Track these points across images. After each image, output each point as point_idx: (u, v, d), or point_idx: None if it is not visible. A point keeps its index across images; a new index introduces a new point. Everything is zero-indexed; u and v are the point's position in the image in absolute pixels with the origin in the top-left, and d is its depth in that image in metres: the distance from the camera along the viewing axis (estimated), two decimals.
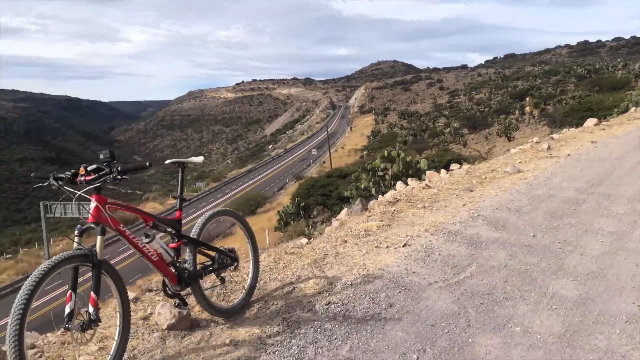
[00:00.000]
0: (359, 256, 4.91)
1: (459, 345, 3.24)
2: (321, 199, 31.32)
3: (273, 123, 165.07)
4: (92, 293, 2.76)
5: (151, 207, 59.19)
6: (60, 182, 2.89)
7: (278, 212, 32.56)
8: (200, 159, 3.75)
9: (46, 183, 2.91)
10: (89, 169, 2.89)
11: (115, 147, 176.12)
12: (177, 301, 3.51)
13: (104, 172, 2.89)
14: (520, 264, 4.60)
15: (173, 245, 3.43)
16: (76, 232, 2.84)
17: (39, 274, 2.55)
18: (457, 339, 3.31)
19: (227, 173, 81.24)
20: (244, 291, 3.99)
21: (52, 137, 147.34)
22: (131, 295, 4.09)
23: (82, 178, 2.89)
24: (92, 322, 2.73)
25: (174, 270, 3.33)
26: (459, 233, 5.49)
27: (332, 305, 3.81)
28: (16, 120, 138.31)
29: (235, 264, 3.85)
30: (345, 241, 5.39)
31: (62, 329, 2.99)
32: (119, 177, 2.88)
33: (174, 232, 3.43)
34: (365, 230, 5.68)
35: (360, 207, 6.55)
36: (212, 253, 3.71)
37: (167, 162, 3.76)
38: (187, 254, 3.52)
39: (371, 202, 7.10)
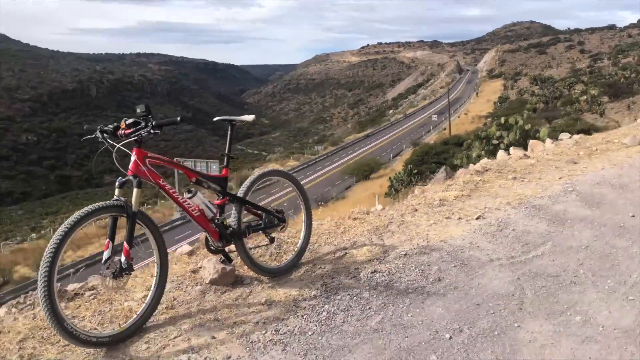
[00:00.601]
0: (424, 226, 4.68)
1: (501, 328, 2.97)
2: (434, 167, 30.45)
3: (395, 87, 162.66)
4: (125, 243, 2.90)
5: (272, 167, 61.87)
6: (105, 135, 3.03)
7: (390, 178, 32.28)
8: (250, 117, 3.74)
9: (93, 135, 3.06)
10: (127, 122, 3.00)
11: (244, 109, 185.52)
12: (222, 257, 3.60)
13: (140, 126, 2.98)
14: (606, 246, 4.09)
15: (218, 202, 3.50)
16: (117, 183, 2.98)
17: (72, 221, 2.71)
18: (502, 322, 3.03)
19: (345, 137, 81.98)
20: (293, 252, 3.99)
21: (190, 98, 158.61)
22: (188, 248, 4.28)
23: (122, 132, 3.01)
24: (124, 271, 2.87)
25: (215, 227, 3.40)
26: (543, 208, 5.00)
27: (377, 274, 3.67)
28: (160, 82, 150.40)
29: (283, 224, 3.84)
30: (416, 210, 5.16)
31: (98, 275, 3.19)
32: (152, 131, 2.97)
33: (219, 189, 3.48)
34: (440, 200, 5.39)
35: (444, 176, 6.22)
36: (259, 212, 3.73)
37: (215, 119, 3.81)
38: (232, 212, 3.58)
39: (459, 171, 6.71)
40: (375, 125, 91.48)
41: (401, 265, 3.80)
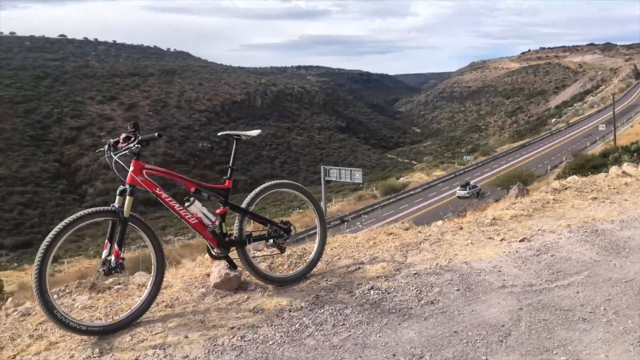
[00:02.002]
0: (459, 246, 4.45)
1: (464, 359, 2.77)
2: None
3: (559, 95, 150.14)
4: (115, 245, 3.27)
5: (417, 177, 61.11)
6: (109, 148, 3.43)
7: None
8: (255, 132, 3.92)
9: (103, 148, 3.48)
10: (122, 137, 3.38)
11: (396, 118, 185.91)
12: (227, 263, 3.83)
13: (130, 141, 3.34)
14: None
15: (219, 211, 3.73)
16: (117, 191, 3.36)
17: (67, 221, 3.14)
18: (470, 353, 2.82)
19: (498, 147, 77.80)
20: (304, 264, 4.07)
21: (344, 108, 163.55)
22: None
23: (120, 145, 3.39)
24: (112, 270, 3.23)
25: (211, 234, 3.64)
26: (605, 233, 4.43)
27: (373, 292, 3.61)
28: (317, 93, 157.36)
29: (286, 235, 3.95)
30: (461, 228, 4.90)
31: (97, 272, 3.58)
32: (137, 145, 3.30)
33: (221, 199, 3.72)
34: (493, 219, 5.04)
35: (516, 193, 5.77)
36: (263, 223, 3.89)
37: (220, 134, 4.05)
38: (235, 221, 3.79)
39: (543, 188, 6.16)
40: (534, 135, 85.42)
41: (403, 285, 3.69)
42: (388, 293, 3.58)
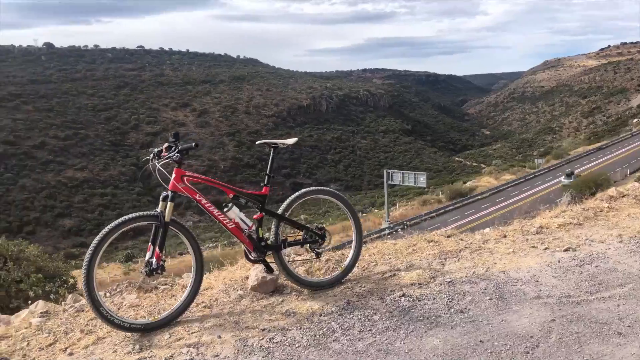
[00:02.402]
0: (499, 254, 4.37)
1: None
2: None
3: None
4: (157, 248, 3.48)
5: (485, 181, 59.36)
6: (153, 157, 3.65)
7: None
8: (292, 140, 4.04)
9: (148, 156, 3.70)
10: (165, 147, 3.59)
11: (465, 120, 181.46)
12: (264, 267, 3.97)
13: (171, 150, 3.54)
14: None
15: (256, 216, 3.88)
16: (161, 197, 3.58)
17: (112, 225, 3.38)
18: None
19: (572, 150, 74.12)
20: (339, 269, 4.14)
21: (410, 111, 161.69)
22: None
23: (163, 154, 3.60)
24: (154, 271, 3.45)
25: (248, 239, 3.79)
26: None
27: (404, 299, 3.63)
28: (383, 95, 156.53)
29: (321, 241, 4.03)
30: (505, 236, 4.81)
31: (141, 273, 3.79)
32: (177, 154, 3.49)
33: (258, 205, 3.86)
34: (539, 227, 4.90)
35: (569, 200, 5.57)
36: (299, 229, 4.00)
37: (257, 142, 4.18)
38: (271, 227, 3.92)
39: (599, 195, 5.91)
40: (613, 136, 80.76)
41: (435, 292, 3.69)
42: (419, 300, 3.59)
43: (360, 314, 3.46)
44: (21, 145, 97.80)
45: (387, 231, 38.58)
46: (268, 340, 3.22)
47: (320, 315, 3.51)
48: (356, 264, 4.25)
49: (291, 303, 3.78)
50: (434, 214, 43.59)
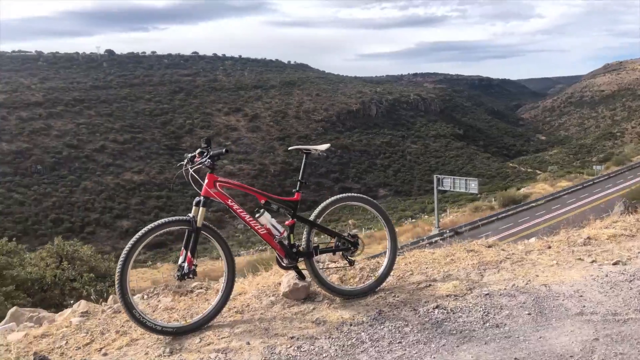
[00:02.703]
0: (542, 266, 4.17)
1: None
2: None
3: None
4: (189, 253, 3.52)
5: (540, 188, 57.42)
6: (186, 162, 3.69)
7: None
8: (324, 146, 3.99)
9: (183, 162, 3.74)
10: (197, 152, 3.62)
11: (519, 125, 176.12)
12: (296, 273, 3.94)
13: (203, 155, 3.57)
14: None
15: (287, 223, 3.86)
16: (194, 202, 3.62)
17: (146, 230, 3.44)
18: None
19: (635, 156, 70.53)
20: (373, 278, 4.07)
21: (462, 115, 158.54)
22: None
23: (195, 159, 3.64)
24: (185, 275, 3.49)
25: (279, 245, 3.77)
26: None
27: (437, 311, 3.52)
28: (434, 100, 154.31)
29: (353, 249, 3.97)
30: (549, 247, 4.59)
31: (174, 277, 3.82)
32: (208, 159, 3.52)
33: (290, 211, 3.84)
34: (587, 238, 4.65)
35: (621, 210, 5.28)
36: (331, 235, 3.95)
37: (290, 148, 4.16)
38: (303, 233, 3.89)
39: None
40: None
41: (470, 305, 3.55)
42: (453, 313, 3.47)
43: (392, 325, 3.37)
44: (84, 149, 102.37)
45: (436, 238, 37.96)
46: (296, 348, 3.19)
47: (351, 325, 3.45)
48: (391, 273, 4.17)
49: (322, 311, 3.73)
50: (485, 221, 42.47)
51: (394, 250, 4.11)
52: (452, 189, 47.00)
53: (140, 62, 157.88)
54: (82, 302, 4.46)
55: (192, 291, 4.37)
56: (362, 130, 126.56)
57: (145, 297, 4.38)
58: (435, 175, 47.47)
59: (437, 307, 3.57)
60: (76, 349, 3.48)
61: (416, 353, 3.02)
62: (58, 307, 8.88)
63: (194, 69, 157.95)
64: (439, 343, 3.11)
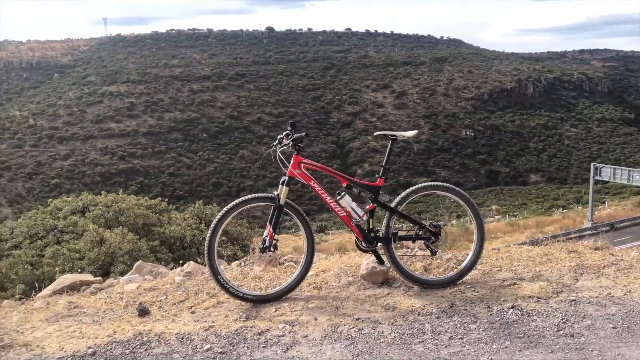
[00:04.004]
0: None
1: None
2: None
3: None
4: (270, 227, 3.76)
5: None
6: (277, 143, 3.90)
7: None
8: (411, 132, 3.93)
9: (274, 142, 3.96)
10: (284, 134, 3.81)
11: None
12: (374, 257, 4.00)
13: (288, 137, 3.75)
14: None
15: (368, 207, 3.91)
16: (280, 181, 3.84)
17: (231, 206, 3.75)
18: None
19: None
20: (455, 270, 3.97)
21: (636, 98, 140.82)
22: None
23: (283, 141, 3.83)
24: (266, 249, 3.74)
25: (358, 229, 3.85)
26: None
27: (512, 311, 3.36)
28: (601, 79, 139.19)
29: (433, 239, 3.90)
30: None
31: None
32: (291, 142, 3.69)
33: (371, 195, 3.89)
34: None
35: None
36: (412, 223, 3.92)
37: (376, 134, 4.13)
38: (384, 219, 3.92)
39: None
40: None
41: (550, 310, 3.33)
42: (528, 315, 3.29)
43: (459, 320, 3.30)
44: (243, 120, 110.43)
45: (588, 232, 34.68)
46: (357, 330, 3.28)
47: (418, 315, 3.44)
48: (476, 267, 4.03)
49: (395, 297, 3.76)
50: None
51: (481, 244, 3.96)
52: (611, 180, 42.55)
53: (296, 39, 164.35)
54: (191, 263, 4.97)
55: (282, 263, 4.65)
56: (516, 111, 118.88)
57: (243, 264, 4.75)
58: (592, 164, 43.30)
59: (512, 307, 3.40)
60: (172, 304, 3.93)
61: (474, 351, 2.94)
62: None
63: (346, 45, 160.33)
64: (501, 344, 2.99)
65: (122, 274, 6.99)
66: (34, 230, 9.80)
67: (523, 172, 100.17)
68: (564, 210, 53.43)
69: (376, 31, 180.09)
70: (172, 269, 5.54)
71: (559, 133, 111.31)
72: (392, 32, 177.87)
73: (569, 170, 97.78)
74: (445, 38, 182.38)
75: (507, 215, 55.06)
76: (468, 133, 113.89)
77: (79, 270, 7.63)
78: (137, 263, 5.35)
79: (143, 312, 3.77)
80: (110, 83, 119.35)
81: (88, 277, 4.83)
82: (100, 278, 4.85)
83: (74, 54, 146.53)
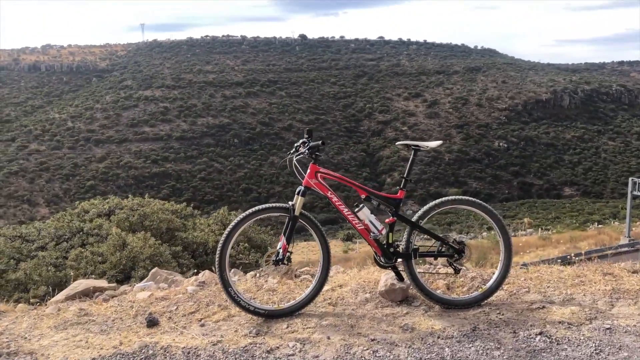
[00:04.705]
0: None
1: None
2: None
3: None
4: (284, 239, 3.60)
5: None
6: (293, 152, 3.76)
7: None
8: (436, 143, 3.71)
9: (291, 151, 3.81)
10: (300, 142, 3.66)
11: None
12: (394, 274, 3.80)
13: (305, 146, 3.60)
14: None
15: (388, 220, 3.71)
16: (296, 191, 3.69)
17: (244, 215, 3.61)
18: None
19: None
20: (479, 290, 3.74)
21: None
22: None
23: (300, 149, 3.68)
24: (279, 261, 3.59)
25: (376, 243, 3.66)
26: None
27: (539, 338, 3.11)
28: None
29: (457, 256, 3.67)
30: None
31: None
32: (306, 150, 3.54)
33: (391, 209, 3.69)
34: None
35: None
36: (433, 239, 3.71)
37: (398, 144, 3.93)
38: (404, 234, 3.72)
39: None
40: None
41: (582, 338, 3.07)
42: (557, 344, 3.03)
43: (481, 346, 3.07)
44: (273, 127, 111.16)
45: (624, 248, 33.45)
46: (371, 352, 3.09)
47: (438, 338, 3.22)
48: (501, 287, 3.79)
49: (414, 317, 3.55)
50: None
51: (508, 263, 3.72)
52: None
53: (329, 46, 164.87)
54: (206, 272, 4.86)
55: (298, 276, 4.48)
56: (551, 122, 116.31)
57: (258, 275, 4.61)
58: (631, 178, 41.79)
59: (540, 333, 3.15)
60: (182, 316, 3.81)
61: None
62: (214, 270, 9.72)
63: (379, 53, 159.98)
64: None
65: (142, 279, 6.94)
66: (60, 232, 9.88)
67: (557, 185, 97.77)
68: (600, 226, 51.77)
69: (409, 40, 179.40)
70: (194, 274, 5.45)
71: (595, 146, 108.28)
72: (425, 40, 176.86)
73: (606, 184, 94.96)
74: (479, 47, 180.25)
75: (540, 229, 53.67)
76: (501, 144, 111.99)
77: (99, 274, 7.64)
78: (153, 270, 5.26)
79: (152, 322, 3.65)
80: (146, 88, 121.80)
81: (102, 283, 4.76)
82: (115, 285, 4.77)
83: (112, 59, 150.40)
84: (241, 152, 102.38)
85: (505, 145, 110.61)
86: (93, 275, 6.81)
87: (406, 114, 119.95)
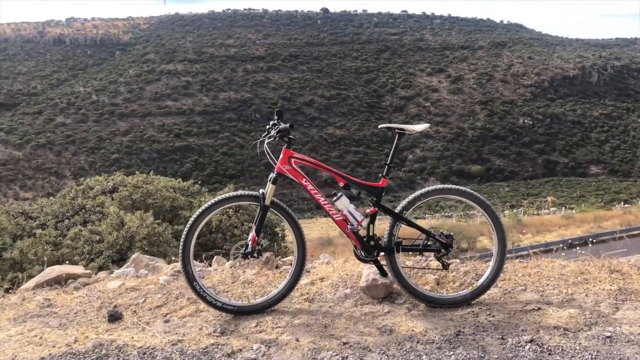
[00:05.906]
0: None
1: None
2: None
3: None
4: (253, 230, 3.30)
5: None
6: (265, 135, 3.43)
7: None
8: (421, 126, 3.34)
9: (263, 134, 3.49)
10: (271, 124, 3.33)
11: None
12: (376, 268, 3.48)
13: (275, 128, 3.27)
14: None
15: (369, 211, 3.38)
16: (269, 178, 3.37)
17: (209, 204, 3.31)
18: None
19: None
20: (469, 287, 3.40)
21: None
22: None
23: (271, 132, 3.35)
24: (249, 254, 3.29)
25: (355, 235, 3.34)
26: None
27: (529, 346, 2.77)
28: None
29: (444, 251, 3.33)
30: None
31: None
32: (275, 134, 3.21)
33: (372, 198, 3.36)
34: None
35: None
36: (418, 232, 3.37)
37: (380, 126, 3.57)
38: (387, 226, 3.39)
39: None
40: None
41: (578, 348, 2.72)
42: (549, 353, 2.69)
43: (464, 354, 2.75)
44: (295, 102, 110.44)
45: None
46: (341, 357, 2.79)
47: (417, 343, 2.91)
48: (495, 284, 3.45)
49: (395, 317, 3.24)
50: None
51: (502, 259, 3.36)
52: None
53: (351, 20, 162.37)
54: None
55: (278, 267, 4.20)
56: (578, 99, 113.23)
57: (237, 265, 4.33)
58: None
59: (531, 340, 2.81)
60: (148, 309, 3.57)
61: None
62: (219, 249, 9.53)
63: (402, 27, 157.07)
64: None
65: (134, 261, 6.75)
66: (63, 209, 9.77)
67: (583, 163, 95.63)
68: (626, 205, 50.44)
69: (433, 14, 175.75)
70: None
71: (624, 124, 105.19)
72: (449, 14, 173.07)
73: (634, 162, 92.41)
74: (505, 22, 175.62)
75: (564, 208, 52.58)
76: (526, 121, 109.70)
77: (96, 254, 7.49)
78: (134, 255, 5.04)
79: (113, 317, 3.41)
80: (168, 61, 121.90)
81: (77, 269, 4.54)
82: (89, 272, 4.55)
83: (135, 32, 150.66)
84: (262, 128, 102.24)
85: (531, 123, 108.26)
86: (78, 258, 6.61)
87: (429, 89, 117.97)
